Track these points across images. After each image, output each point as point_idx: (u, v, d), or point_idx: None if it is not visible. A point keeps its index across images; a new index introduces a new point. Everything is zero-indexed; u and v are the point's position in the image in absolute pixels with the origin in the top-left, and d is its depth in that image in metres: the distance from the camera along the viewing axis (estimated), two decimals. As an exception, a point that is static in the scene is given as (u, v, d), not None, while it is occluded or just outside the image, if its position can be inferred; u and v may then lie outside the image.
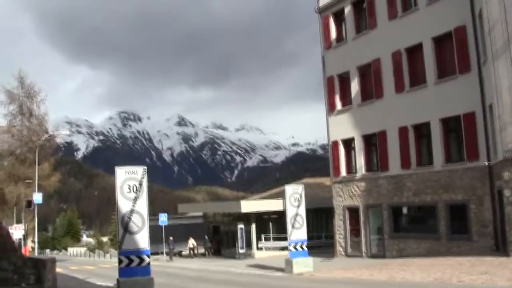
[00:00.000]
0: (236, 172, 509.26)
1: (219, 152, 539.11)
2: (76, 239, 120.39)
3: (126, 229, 16.13)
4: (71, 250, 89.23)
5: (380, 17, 29.75)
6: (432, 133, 26.53)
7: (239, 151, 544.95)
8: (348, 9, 32.21)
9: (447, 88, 25.80)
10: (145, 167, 17.07)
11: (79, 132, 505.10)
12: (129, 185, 16.39)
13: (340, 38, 33.34)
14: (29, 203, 46.31)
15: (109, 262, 48.80)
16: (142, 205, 16.39)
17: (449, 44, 25.80)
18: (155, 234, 39.15)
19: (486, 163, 23.65)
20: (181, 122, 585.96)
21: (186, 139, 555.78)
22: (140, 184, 16.52)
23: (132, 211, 16.24)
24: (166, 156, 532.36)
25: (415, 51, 27.70)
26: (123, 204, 16.24)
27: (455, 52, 25.38)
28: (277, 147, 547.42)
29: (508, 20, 20.42)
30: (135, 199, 16.36)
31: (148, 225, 16.58)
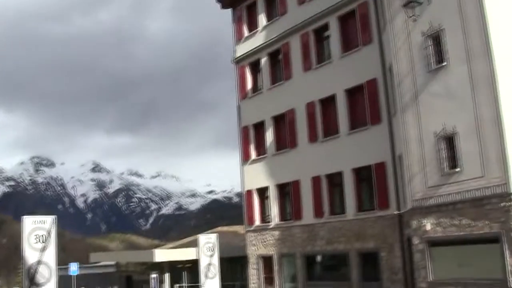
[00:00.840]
0: (151, 219, 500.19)
1: (134, 199, 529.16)
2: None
3: (32, 281, 15.30)
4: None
5: (295, 68, 30.18)
6: (345, 183, 26.82)
7: (154, 198, 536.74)
8: (264, 60, 32.57)
9: (359, 138, 26.28)
10: (55, 216, 16.32)
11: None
12: (37, 235, 15.61)
13: (256, 88, 33.59)
14: None
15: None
16: (50, 256, 15.61)
17: (361, 96, 26.38)
18: (66, 284, 37.58)
19: (396, 212, 24.06)
20: (96, 168, 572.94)
21: (100, 185, 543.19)
22: (49, 233, 15.76)
23: (39, 262, 15.44)
24: (80, 203, 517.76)
25: (328, 102, 28.15)
26: (30, 255, 15.43)
27: (366, 104, 25.97)
28: (193, 195, 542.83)
29: (416, 74, 21.09)
30: (43, 249, 15.58)
31: (57, 276, 15.78)
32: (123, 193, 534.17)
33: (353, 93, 26.98)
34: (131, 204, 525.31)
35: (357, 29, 26.85)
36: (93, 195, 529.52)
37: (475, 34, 19.12)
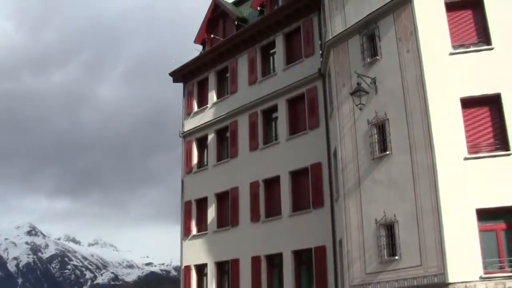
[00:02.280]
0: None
1: (69, 266, 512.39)
2: None
3: None
4: None
5: (242, 147, 30.21)
6: (284, 264, 26.43)
7: (90, 266, 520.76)
8: (211, 137, 32.57)
9: (300, 221, 26.12)
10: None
11: None
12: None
13: (201, 164, 33.42)
14: None
15: None
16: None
17: (305, 179, 26.43)
18: None
19: (334, 298, 23.75)
20: (32, 231, 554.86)
21: (35, 249, 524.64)
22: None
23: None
24: (11, 267, 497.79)
25: (273, 183, 28.09)
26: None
27: (310, 187, 26.01)
28: (130, 266, 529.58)
29: (360, 161, 21.30)
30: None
31: None
32: (58, 259, 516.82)
33: (297, 176, 27.03)
34: (66, 271, 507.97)
35: (305, 112, 27.20)
36: (26, 259, 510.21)
37: (418, 125, 19.51)
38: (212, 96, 33.28)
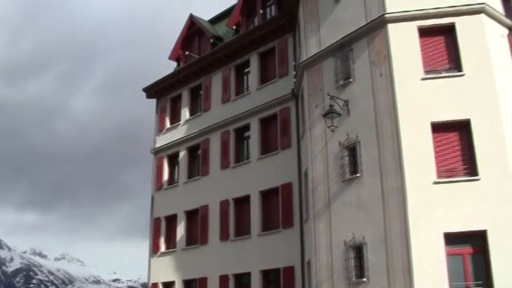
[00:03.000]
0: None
1: (34, 281, 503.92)
2: None
3: None
4: None
5: (213, 165, 30.08)
6: (252, 284, 26.19)
7: (56, 281, 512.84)
8: (183, 154, 32.40)
9: (270, 241, 25.98)
10: None
11: None
12: None
13: (172, 180, 33.19)
14: None
15: None
16: None
17: (276, 199, 26.34)
18: None
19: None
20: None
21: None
22: None
23: None
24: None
25: (243, 202, 27.96)
26: None
27: (280, 207, 25.92)
28: (97, 281, 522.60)
29: (330, 183, 21.30)
30: None
31: None
32: (23, 273, 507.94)
33: (268, 195, 26.94)
34: (31, 285, 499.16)
35: (277, 132, 27.20)
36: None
37: (388, 149, 19.59)
38: (185, 113, 33.16)
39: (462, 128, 19.36)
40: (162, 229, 32.45)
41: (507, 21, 21.20)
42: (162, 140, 34.10)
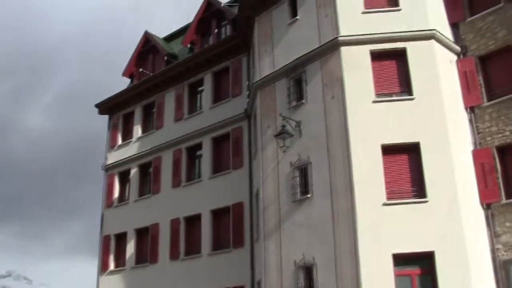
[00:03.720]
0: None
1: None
2: None
3: None
4: None
5: (164, 183, 29.69)
6: (202, 303, 25.93)
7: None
8: (134, 171, 31.93)
9: (220, 260, 25.70)
10: None
11: None
12: None
13: (122, 198, 32.64)
14: None
15: None
16: None
17: (227, 218, 26.12)
18: None
19: None
20: None
21: None
22: None
23: None
24: None
25: (194, 221, 27.62)
26: None
27: (231, 226, 25.69)
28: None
29: (281, 203, 21.22)
30: None
31: None
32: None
33: (219, 215, 26.69)
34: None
35: (229, 152, 27.06)
36: None
37: (339, 170, 19.64)
38: (137, 130, 32.74)
39: (411, 151, 19.55)
40: (111, 247, 31.81)
41: (456, 47, 21.66)
42: (114, 157, 33.58)
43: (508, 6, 21.06)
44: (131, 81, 35.43)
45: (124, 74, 35.65)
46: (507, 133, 20.07)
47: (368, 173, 19.22)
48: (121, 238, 31.49)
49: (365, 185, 19.08)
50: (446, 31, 21.70)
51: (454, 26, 22.26)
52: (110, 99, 34.59)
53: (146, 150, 31.34)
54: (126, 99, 33.83)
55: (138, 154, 31.80)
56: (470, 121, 20.93)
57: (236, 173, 26.35)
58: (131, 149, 32.58)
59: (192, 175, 29.00)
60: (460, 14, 22.26)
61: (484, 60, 21.45)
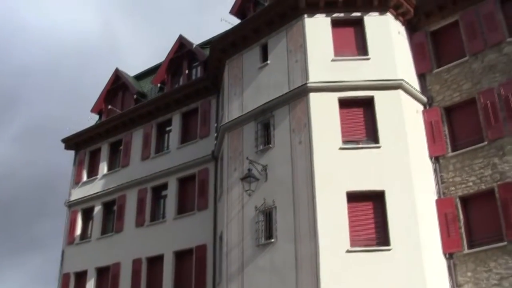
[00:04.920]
0: None
1: None
2: None
3: None
4: None
5: (128, 222, 29.01)
6: None
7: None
8: (98, 209, 31.21)
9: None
10: None
11: None
12: None
13: (84, 235, 31.77)
14: None
15: None
16: None
17: (190, 260, 25.55)
18: None
19: None
20: None
21: None
22: None
23: None
24: None
25: (156, 262, 26.95)
26: None
27: (193, 268, 25.11)
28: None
29: (245, 247, 20.84)
30: None
31: None
32: None
33: (182, 256, 26.09)
34: None
35: (194, 193, 26.65)
36: None
37: (304, 216, 19.40)
38: (103, 168, 32.16)
39: (376, 199, 19.44)
40: (71, 286, 30.79)
41: (423, 97, 21.84)
42: (78, 193, 32.84)
43: (473, 59, 21.39)
44: (99, 118, 34.97)
45: (92, 110, 35.17)
46: (470, 183, 20.13)
47: (333, 219, 19.01)
48: (81, 277, 30.53)
49: (329, 232, 18.84)
50: (413, 82, 21.91)
51: (421, 77, 22.54)
52: (77, 135, 34.03)
53: (111, 188, 30.72)
54: (94, 135, 33.31)
55: (103, 192, 31.13)
56: (435, 170, 20.99)
57: (200, 215, 25.91)
58: (96, 186, 31.92)
59: (157, 215, 28.45)
60: (427, 65, 22.54)
61: (449, 111, 21.66)
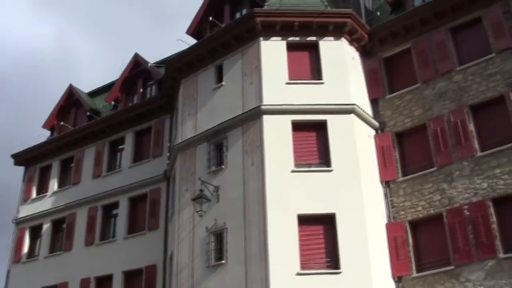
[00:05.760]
0: None
1: None
2: None
3: None
4: None
5: (77, 241, 28.30)
6: None
7: None
8: (46, 226, 30.39)
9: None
10: None
11: None
12: None
13: (32, 254, 30.81)
14: None
15: None
16: None
17: (139, 280, 25.08)
18: None
19: None
20: None
21: None
22: None
23: None
24: None
25: (105, 281, 26.33)
26: None
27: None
28: None
29: (195, 267, 20.53)
30: None
31: None
32: None
33: (131, 276, 25.56)
34: None
35: (146, 213, 26.22)
36: None
37: (255, 238, 19.26)
38: (54, 185, 31.41)
39: (327, 222, 19.45)
40: (15, 306, 29.90)
41: (375, 122, 22.05)
42: (27, 210, 31.92)
43: (424, 86, 21.74)
44: (51, 134, 34.23)
45: (44, 126, 34.41)
46: (420, 208, 20.37)
47: (284, 242, 18.92)
48: (28, 297, 29.64)
49: (280, 254, 18.75)
50: (366, 107, 22.13)
51: (374, 102, 22.80)
52: (28, 151, 33.19)
53: (60, 206, 29.98)
54: (45, 151, 32.56)
55: (52, 209, 30.33)
56: (385, 195, 21.17)
57: (151, 235, 25.49)
58: (46, 204, 31.12)
59: (107, 234, 27.85)
60: (380, 91, 22.81)
61: (401, 137, 21.95)
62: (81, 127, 31.02)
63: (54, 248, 29.87)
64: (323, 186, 19.76)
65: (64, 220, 29.79)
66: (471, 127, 20.18)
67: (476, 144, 19.87)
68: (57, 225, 30.38)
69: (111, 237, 27.45)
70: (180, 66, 24.76)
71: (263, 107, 20.89)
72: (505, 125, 19.65)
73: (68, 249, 28.66)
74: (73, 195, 29.77)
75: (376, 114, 22.49)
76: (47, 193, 31.50)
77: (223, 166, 21.23)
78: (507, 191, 18.77)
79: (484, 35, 21.26)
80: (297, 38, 22.55)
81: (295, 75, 21.86)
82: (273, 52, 22.16)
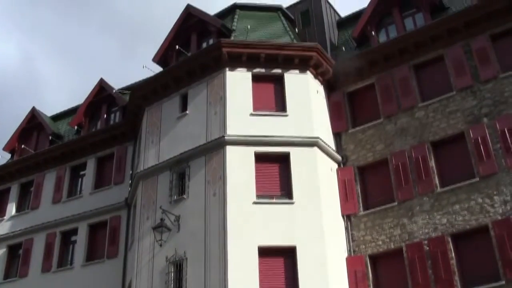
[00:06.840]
0: None
1: None
2: None
3: None
4: None
5: (33, 267, 27.42)
6: None
7: None
8: (1, 252, 29.39)
9: None
10: None
11: None
12: None
13: (-15, 280, 30.03)
14: None
15: None
16: None
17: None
18: None
19: None
20: None
21: None
22: None
23: None
24: None
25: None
26: None
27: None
28: None
29: (155, 295, 20.21)
30: None
31: None
32: None
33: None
34: None
35: (105, 240, 25.69)
36: None
37: (215, 268, 19.03)
38: (11, 209, 30.57)
39: (288, 254, 19.35)
40: (-36, 336, 28.85)
41: (337, 156, 22.14)
42: (-19, 235, 31.05)
43: (387, 121, 21.93)
44: (12, 157, 33.48)
45: (4, 149, 33.62)
46: (380, 242, 20.39)
47: (244, 273, 18.75)
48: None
49: (240, 286, 18.55)
50: (329, 140, 22.23)
51: (337, 135, 22.93)
52: (-15, 173, 32.37)
53: (18, 231, 29.17)
54: (4, 174, 31.74)
55: (9, 234, 29.50)
56: (346, 228, 21.17)
57: (110, 263, 24.97)
58: (2, 228, 30.22)
59: (64, 261, 27.16)
60: (343, 125, 22.94)
61: (363, 171, 22.06)
62: (43, 151, 30.42)
63: (9, 274, 28.97)
64: (284, 218, 19.69)
65: (20, 246, 28.99)
66: (432, 163, 20.40)
67: (436, 180, 20.06)
68: (13, 251, 29.54)
69: (69, 264, 26.78)
70: (145, 94, 24.58)
71: (226, 137, 20.80)
72: (464, 162, 19.92)
73: (24, 275, 27.85)
74: (31, 220, 29.03)
75: (339, 148, 22.59)
76: (4, 217, 30.65)
77: (184, 196, 20.99)
78: (465, 227, 18.95)
79: (445, 73, 21.64)
80: (263, 70, 22.61)
81: (259, 107, 21.88)
82: (238, 83, 22.16)
